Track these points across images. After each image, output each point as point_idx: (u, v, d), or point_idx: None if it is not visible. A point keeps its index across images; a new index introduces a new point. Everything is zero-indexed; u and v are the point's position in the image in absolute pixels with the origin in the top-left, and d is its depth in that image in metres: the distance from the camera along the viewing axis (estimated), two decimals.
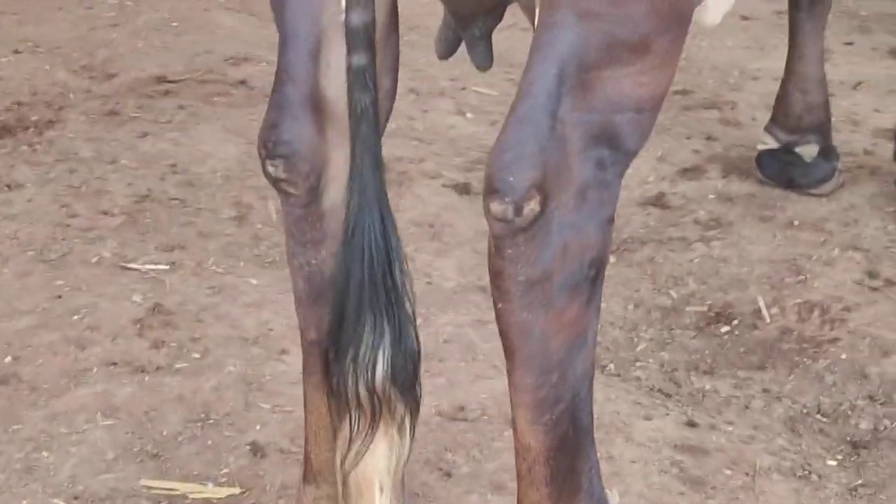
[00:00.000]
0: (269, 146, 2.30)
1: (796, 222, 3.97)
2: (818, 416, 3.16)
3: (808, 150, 4.16)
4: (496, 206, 2.11)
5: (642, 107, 2.17)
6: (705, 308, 3.58)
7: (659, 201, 4.14)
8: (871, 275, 3.68)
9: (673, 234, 3.94)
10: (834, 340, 3.42)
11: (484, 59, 2.60)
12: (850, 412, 3.18)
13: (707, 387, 3.27)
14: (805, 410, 3.18)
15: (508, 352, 2.22)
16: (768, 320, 3.52)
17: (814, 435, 3.10)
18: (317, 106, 2.30)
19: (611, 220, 2.19)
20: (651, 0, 2.11)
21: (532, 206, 2.11)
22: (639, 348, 3.44)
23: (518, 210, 2.10)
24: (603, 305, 2.28)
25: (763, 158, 4.22)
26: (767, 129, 4.24)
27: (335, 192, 2.33)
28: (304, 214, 2.35)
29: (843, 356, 3.36)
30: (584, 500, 2.29)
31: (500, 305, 2.19)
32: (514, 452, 2.26)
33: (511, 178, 2.10)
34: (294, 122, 2.29)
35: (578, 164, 2.13)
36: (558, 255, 2.16)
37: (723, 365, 3.36)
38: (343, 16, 2.23)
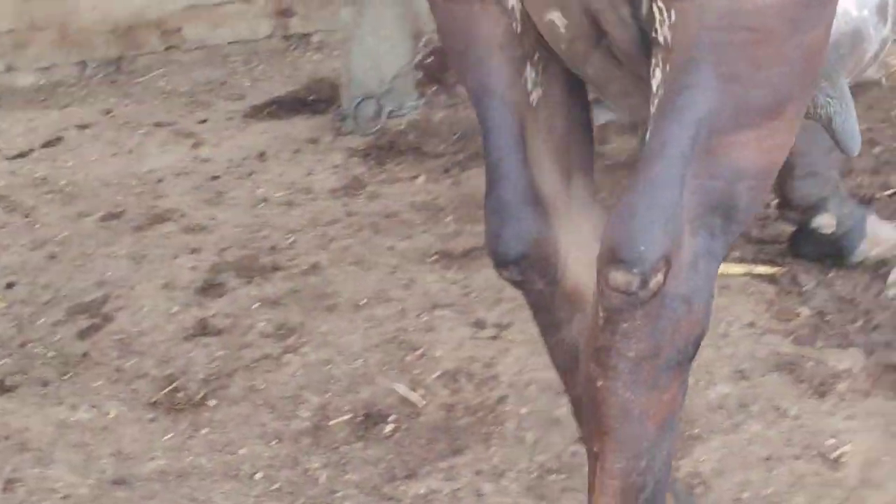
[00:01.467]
0: (499, 256, 2.24)
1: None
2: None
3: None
4: (620, 277, 2.02)
5: (763, 174, 2.09)
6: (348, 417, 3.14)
7: None
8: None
9: None
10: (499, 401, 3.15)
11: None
12: None
13: (421, 490, 2.85)
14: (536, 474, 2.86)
15: (600, 433, 2.12)
16: (423, 403, 3.15)
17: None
18: (535, 196, 2.24)
19: (713, 296, 2.10)
20: (792, 62, 2.03)
21: (658, 279, 2.02)
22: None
23: (644, 283, 2.02)
24: None
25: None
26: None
27: (575, 270, 2.28)
28: (550, 302, 2.31)
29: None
30: None
31: (600, 383, 2.10)
32: None
33: (642, 248, 2.01)
34: (517, 223, 2.24)
35: (691, 232, 2.04)
36: (670, 331, 2.07)
37: (417, 464, 2.94)
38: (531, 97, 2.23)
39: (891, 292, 3.37)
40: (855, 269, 3.49)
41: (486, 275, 3.63)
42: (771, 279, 3.49)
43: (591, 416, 2.13)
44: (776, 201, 3.64)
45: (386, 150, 4.59)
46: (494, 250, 2.25)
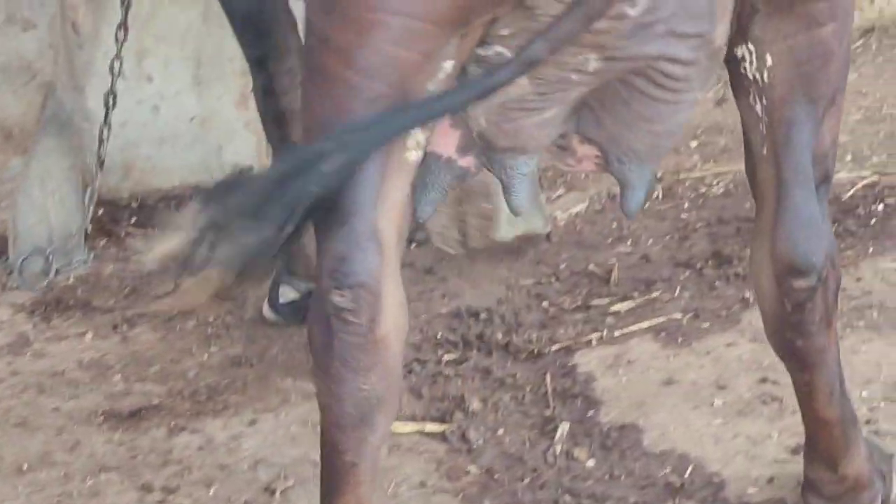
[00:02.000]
0: (339, 277, 2.42)
1: None
2: None
3: None
4: (804, 283, 2.74)
5: (836, 145, 2.82)
6: None
7: None
8: None
9: None
10: None
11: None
12: None
13: None
14: None
15: (810, 370, 2.89)
16: None
17: None
18: (378, 238, 2.44)
19: None
20: (842, 62, 2.71)
21: (827, 273, 2.76)
22: None
23: (820, 280, 2.75)
24: None
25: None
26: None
27: (389, 321, 2.48)
28: (361, 343, 2.46)
29: None
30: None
31: (800, 343, 2.83)
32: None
33: (814, 258, 2.72)
34: (362, 253, 2.43)
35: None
36: (831, 291, 2.83)
37: None
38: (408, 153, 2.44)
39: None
40: (523, 425, 3.53)
41: (153, 436, 3.56)
42: (441, 437, 3.50)
43: (794, 363, 2.90)
44: None
45: (53, 306, 4.44)
46: (336, 270, 2.43)
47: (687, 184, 4.82)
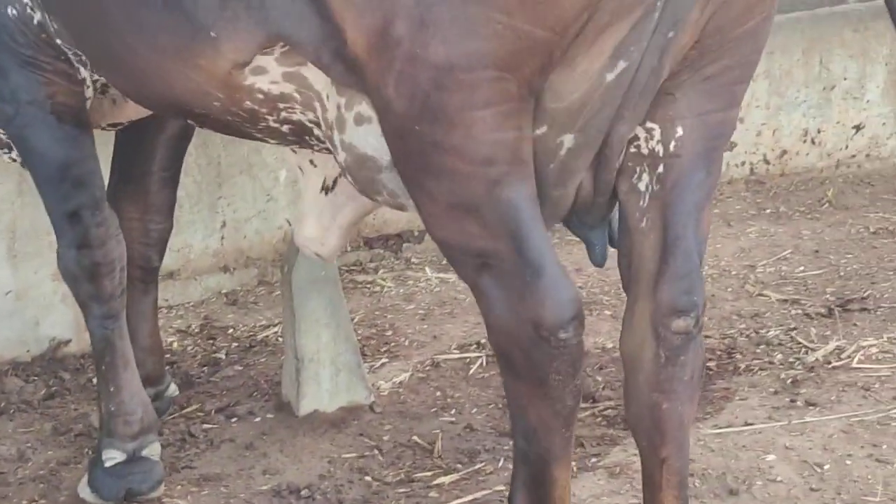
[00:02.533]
0: (561, 318, 2.77)
1: None
2: None
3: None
4: (682, 324, 2.89)
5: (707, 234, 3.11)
6: None
7: None
8: None
9: None
10: None
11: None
12: None
13: None
14: None
15: (665, 444, 2.96)
16: None
17: None
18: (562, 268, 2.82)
19: None
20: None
21: (703, 318, 2.93)
22: None
23: (697, 323, 2.91)
24: None
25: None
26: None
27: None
28: (577, 352, 2.83)
29: None
30: None
31: (665, 406, 2.94)
32: None
33: (695, 299, 2.88)
34: (570, 288, 2.81)
35: None
36: (702, 350, 2.99)
37: None
38: None
39: None
40: None
41: None
42: None
43: (654, 433, 2.97)
44: None
45: None
46: (556, 314, 2.78)
47: None
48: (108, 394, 4.02)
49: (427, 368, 4.76)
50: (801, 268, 5.54)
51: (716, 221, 6.16)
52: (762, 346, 4.75)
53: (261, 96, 3.09)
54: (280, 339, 5.08)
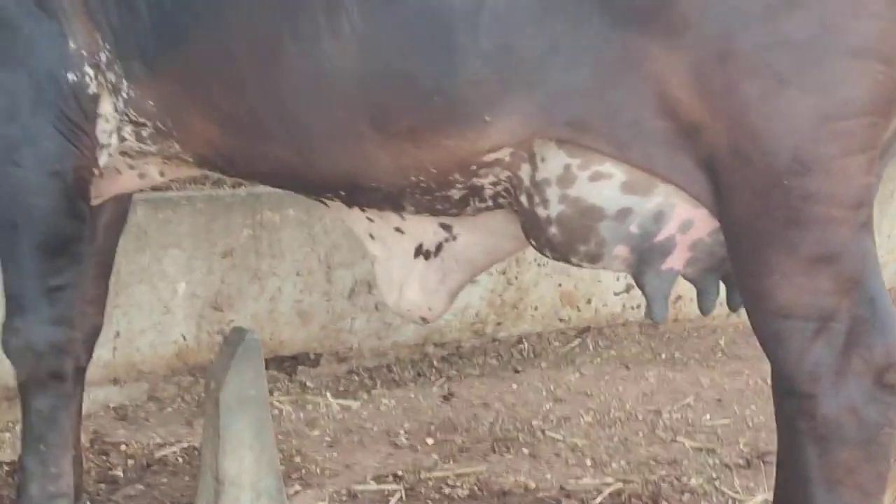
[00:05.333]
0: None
1: None
2: None
3: None
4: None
5: None
6: None
7: None
8: None
9: None
10: None
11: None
12: None
13: None
14: None
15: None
16: None
17: None
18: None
19: None
20: None
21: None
22: None
23: None
24: None
25: None
26: None
27: None
28: None
29: None
30: None
31: None
32: None
33: None
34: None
35: None
36: None
37: None
38: None
39: None
40: None
41: None
42: None
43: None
44: None
45: None
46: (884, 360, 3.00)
47: (430, 484, 4.64)
48: (48, 476, 3.84)
49: (344, 499, 4.54)
50: (708, 416, 5.48)
51: (614, 363, 6.11)
52: (687, 495, 4.65)
53: (475, 167, 3.21)
54: (180, 459, 4.84)
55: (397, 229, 3.61)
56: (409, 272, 3.65)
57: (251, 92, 3.31)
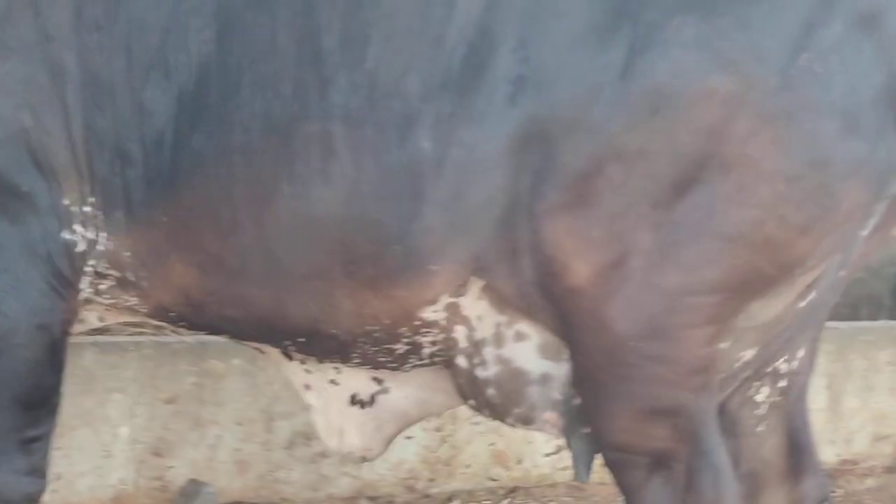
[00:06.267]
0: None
1: None
2: None
3: None
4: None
5: None
6: None
7: None
8: None
9: None
10: None
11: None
12: None
13: None
14: None
15: None
16: None
17: None
18: None
19: None
20: None
21: None
22: None
23: None
24: None
25: None
26: None
27: None
28: None
29: None
30: None
31: None
32: None
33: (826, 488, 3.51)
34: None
35: None
36: None
37: None
38: None
39: None
40: None
41: None
42: None
43: None
44: None
45: None
46: None
47: None
48: None
49: None
50: None
51: None
52: None
53: (418, 323, 3.28)
54: None
55: (332, 381, 3.74)
56: (346, 418, 3.75)
57: (242, 233, 3.35)
